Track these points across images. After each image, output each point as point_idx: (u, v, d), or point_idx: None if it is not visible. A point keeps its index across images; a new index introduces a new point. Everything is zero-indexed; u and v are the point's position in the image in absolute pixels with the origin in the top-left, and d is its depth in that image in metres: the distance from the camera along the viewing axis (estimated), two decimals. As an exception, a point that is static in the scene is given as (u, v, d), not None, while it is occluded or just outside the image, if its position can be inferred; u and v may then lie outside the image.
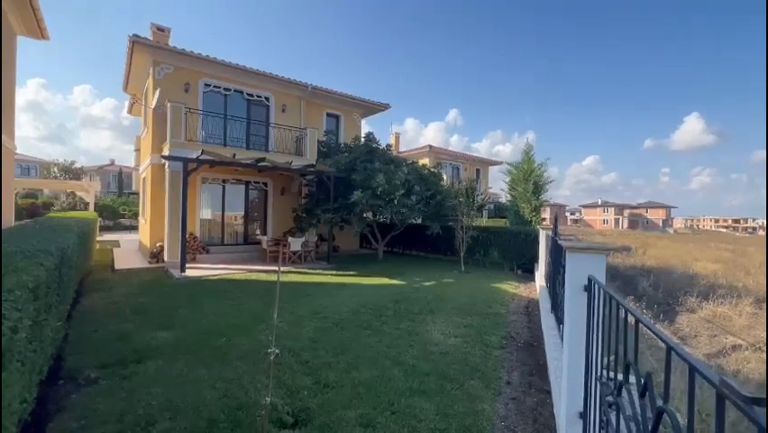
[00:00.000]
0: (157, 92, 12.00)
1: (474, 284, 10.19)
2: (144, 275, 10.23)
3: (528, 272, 12.35)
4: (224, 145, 13.05)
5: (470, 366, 4.62)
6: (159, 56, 12.31)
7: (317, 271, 11.50)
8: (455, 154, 31.40)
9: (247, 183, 14.45)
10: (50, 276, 3.14)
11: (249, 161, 11.17)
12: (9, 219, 10.70)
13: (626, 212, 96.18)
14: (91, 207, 18.12)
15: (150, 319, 6.13)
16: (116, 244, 17.58)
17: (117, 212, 31.35)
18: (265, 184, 14.85)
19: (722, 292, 11.82)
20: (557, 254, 5.86)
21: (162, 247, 11.87)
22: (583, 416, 2.61)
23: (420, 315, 6.85)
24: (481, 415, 3.51)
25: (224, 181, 13.91)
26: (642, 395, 1.45)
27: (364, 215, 13.58)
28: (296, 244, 12.48)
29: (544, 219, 12.47)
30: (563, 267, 4.19)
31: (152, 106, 12.03)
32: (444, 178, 16.54)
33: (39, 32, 10.95)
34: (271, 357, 2.75)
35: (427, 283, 9.98)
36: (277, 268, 11.03)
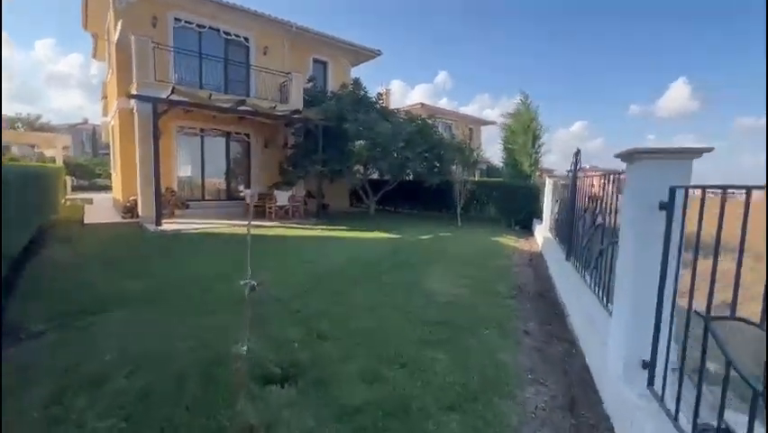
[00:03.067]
0: (119, 24, 10.55)
1: (473, 238, 9.69)
2: (116, 229, 9.41)
3: (526, 229, 11.92)
4: (201, 89, 11.80)
5: (480, 316, 4.11)
6: (118, -19, 10.72)
7: (306, 226, 10.81)
8: (448, 112, 30.20)
9: (228, 134, 13.34)
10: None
11: (228, 105, 10.08)
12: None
13: (612, 177, 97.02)
14: (59, 162, 16.75)
15: (119, 269, 5.43)
16: (90, 201, 16.46)
17: (93, 172, 29.63)
18: (247, 135, 13.75)
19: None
20: (573, 197, 5.28)
21: (136, 201, 10.93)
22: (650, 364, 2.07)
23: (420, 266, 6.30)
24: (504, 367, 2.99)
25: (202, 131, 12.78)
26: None
27: (356, 167, 12.77)
28: (282, 197, 11.69)
29: (540, 173, 11.88)
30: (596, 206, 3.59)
31: (115, 41, 10.62)
32: (442, 132, 15.70)
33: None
34: (246, 291, 2.09)
35: (424, 237, 9.43)
36: (265, 223, 10.26)
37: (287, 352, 3.03)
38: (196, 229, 9.53)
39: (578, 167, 4.99)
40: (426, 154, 12.48)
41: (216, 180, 13.50)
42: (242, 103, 9.82)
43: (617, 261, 2.52)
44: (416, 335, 3.47)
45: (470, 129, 31.79)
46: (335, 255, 6.74)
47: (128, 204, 11.32)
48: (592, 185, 4.07)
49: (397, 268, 6.06)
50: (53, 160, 20.20)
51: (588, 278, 3.98)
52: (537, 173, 12.50)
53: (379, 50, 16.90)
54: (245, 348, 2.24)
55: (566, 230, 5.57)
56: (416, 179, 14.17)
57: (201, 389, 2.48)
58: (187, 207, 12.23)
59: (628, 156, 2.31)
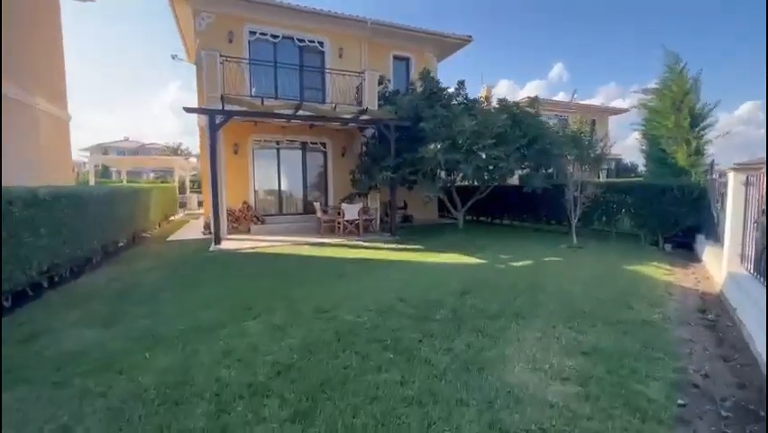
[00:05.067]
0: (197, 44, 10.71)
1: (595, 266, 6.71)
2: (186, 247, 9.26)
3: (684, 249, 8.16)
4: (276, 99, 11.32)
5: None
6: (198, 2, 10.91)
7: (374, 244, 9.17)
8: (563, 104, 25.59)
9: (304, 145, 12.71)
10: None
11: (286, 112, 9.17)
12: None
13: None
14: (177, 180, 18.88)
15: (111, 307, 4.54)
16: (197, 217, 17.90)
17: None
18: (323, 145, 12.94)
19: None
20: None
21: (211, 217, 10.87)
22: None
23: (497, 320, 3.97)
24: None
25: (277, 144, 12.37)
26: None
27: (439, 171, 10.67)
28: (351, 211, 10.31)
29: (718, 166, 7.96)
30: None
31: (194, 61, 10.83)
32: (550, 123, 12.52)
33: (80, -9, 10.42)
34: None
35: (518, 263, 6.85)
36: (329, 240, 8.96)
37: None
38: (255, 248, 8.74)
39: None
40: (525, 151, 9.71)
41: (293, 193, 12.96)
42: (300, 107, 8.76)
43: None
44: None
45: (593, 120, 26.41)
46: (376, 295, 4.84)
47: (206, 220, 11.41)
48: None
49: (457, 324, 3.86)
50: (182, 180, 23.13)
51: None
52: (707, 169, 8.56)
53: (469, 36, 14.55)
54: None
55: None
56: (515, 182, 11.41)
57: None
58: (263, 221, 11.85)
59: None
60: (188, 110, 8.34)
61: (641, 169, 17.00)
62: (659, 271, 6.33)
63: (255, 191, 12.26)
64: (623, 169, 30.81)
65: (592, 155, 11.05)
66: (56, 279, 5.88)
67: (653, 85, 9.85)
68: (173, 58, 12.13)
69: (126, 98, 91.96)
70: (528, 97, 21.76)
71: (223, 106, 8.30)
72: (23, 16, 8.45)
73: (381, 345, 3.32)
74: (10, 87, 7.50)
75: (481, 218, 14.05)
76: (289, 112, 9.19)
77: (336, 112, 9.62)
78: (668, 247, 8.32)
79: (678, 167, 8.74)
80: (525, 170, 11.84)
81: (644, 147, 10.14)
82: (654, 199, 8.53)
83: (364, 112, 9.64)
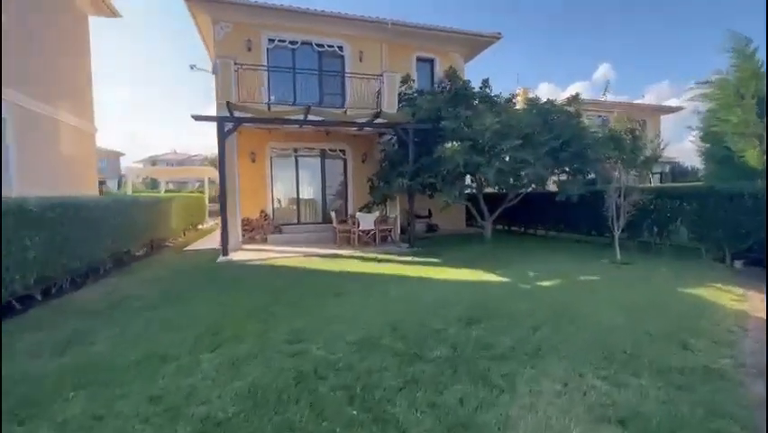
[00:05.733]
0: (215, 53, 10.69)
1: (641, 287, 5.60)
2: (200, 257, 9.10)
3: (758, 265, 6.76)
4: (293, 105, 11.04)
5: None
6: (216, 12, 10.90)
7: (388, 256, 8.49)
8: (605, 104, 23.57)
9: (322, 152, 12.36)
10: None
11: (296, 117, 8.79)
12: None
13: None
14: (206, 189, 19.32)
15: (84, 326, 4.21)
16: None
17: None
18: (343, 152, 12.52)
19: None
20: None
21: (228, 227, 10.70)
22: None
23: (507, 362, 3.15)
24: None
25: (295, 151, 12.11)
26: None
27: (461, 173, 9.84)
28: (366, 221, 9.72)
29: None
30: None
31: (212, 71, 10.81)
32: (586, 122, 11.27)
33: (106, 8, 10.76)
34: None
35: (547, 283, 5.88)
36: (342, 251, 8.42)
37: None
38: (264, 260, 8.37)
39: None
40: (558, 154, 8.65)
41: (312, 202, 12.61)
42: (309, 111, 8.34)
43: None
44: None
45: (642, 121, 24.14)
46: (365, 321, 4.15)
47: (223, 230, 11.28)
48: None
49: (454, 366, 3.09)
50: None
51: None
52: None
53: (498, 34, 13.61)
54: None
55: None
56: (548, 189, 10.30)
57: None
58: (281, 231, 11.57)
59: None
60: (197, 118, 8.17)
61: (703, 174, 15.14)
62: (727, 295, 5.13)
63: (274, 200, 12.04)
64: (680, 173, 28.04)
65: (641, 157, 9.76)
66: (53, 290, 5.77)
67: (711, 77, 8.45)
68: (192, 68, 12.31)
69: (180, 113, 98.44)
70: (570, 97, 20.25)
71: (231, 113, 8.04)
72: (50, 32, 8.74)
73: (347, 394, 2.62)
74: (31, 100, 7.69)
75: (513, 228, 12.96)
76: (300, 117, 8.80)
77: (349, 116, 9.10)
78: (738, 264, 6.94)
79: (748, 168, 7.33)
80: (561, 176, 10.69)
81: (700, 148, 8.71)
82: (719, 207, 7.19)
83: (378, 115, 9.04)
